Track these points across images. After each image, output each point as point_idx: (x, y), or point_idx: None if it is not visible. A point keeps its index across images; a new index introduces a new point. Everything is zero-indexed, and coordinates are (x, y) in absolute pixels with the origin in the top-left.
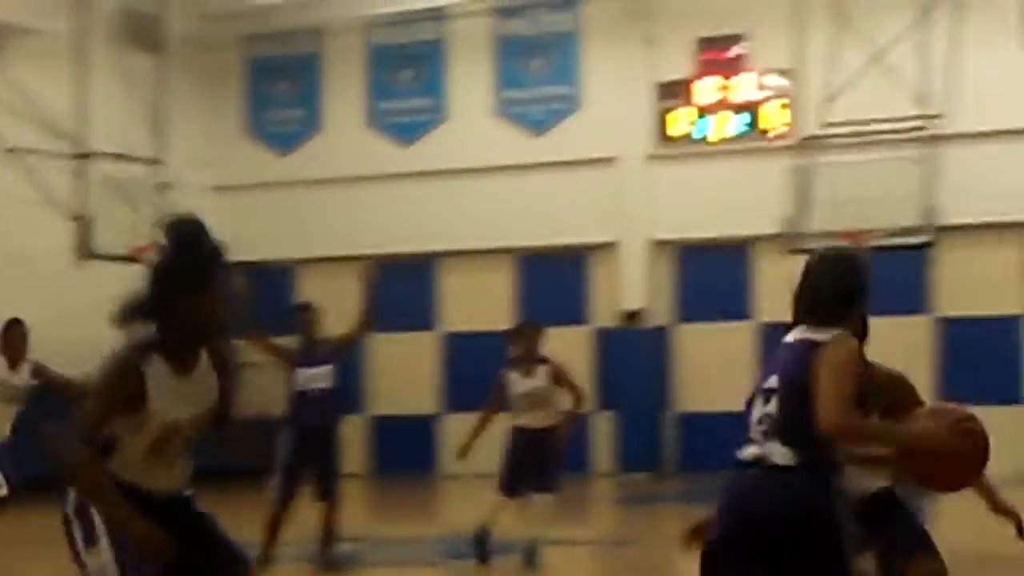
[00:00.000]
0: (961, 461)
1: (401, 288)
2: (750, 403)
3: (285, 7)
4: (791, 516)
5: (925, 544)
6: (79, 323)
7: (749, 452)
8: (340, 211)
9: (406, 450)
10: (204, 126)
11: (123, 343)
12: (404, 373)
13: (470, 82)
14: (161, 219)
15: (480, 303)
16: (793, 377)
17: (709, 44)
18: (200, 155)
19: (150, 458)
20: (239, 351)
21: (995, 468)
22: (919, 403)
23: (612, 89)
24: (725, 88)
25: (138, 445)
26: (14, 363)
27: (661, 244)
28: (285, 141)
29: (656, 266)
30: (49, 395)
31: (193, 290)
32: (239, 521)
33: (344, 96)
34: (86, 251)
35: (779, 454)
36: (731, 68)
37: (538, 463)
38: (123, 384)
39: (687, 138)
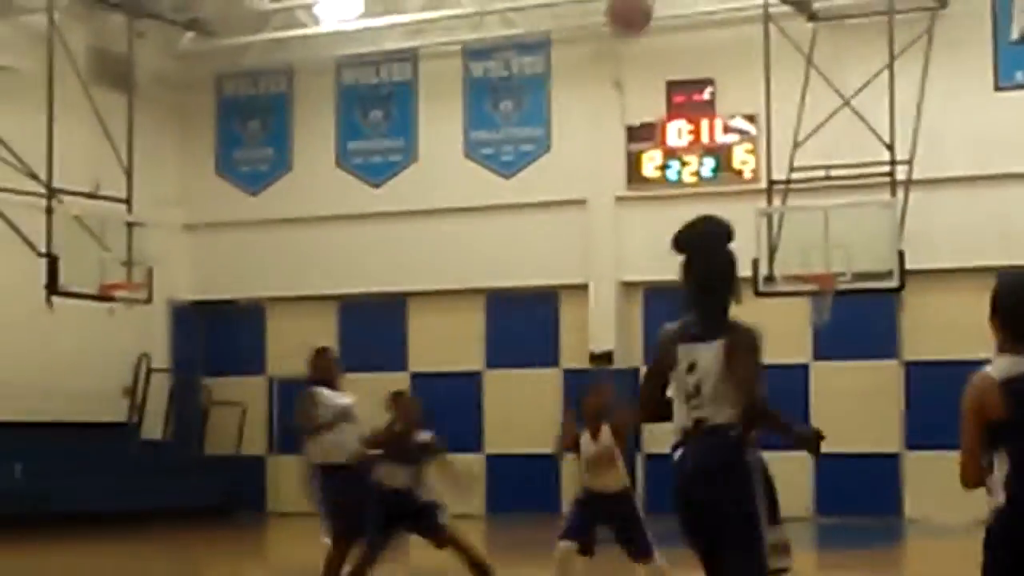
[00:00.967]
0: None
1: (370, 328)
2: None
3: (256, 47)
4: None
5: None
6: (48, 359)
7: None
8: (309, 251)
9: None
10: (174, 165)
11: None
12: (372, 413)
13: (440, 123)
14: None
15: (449, 343)
16: None
17: (678, 88)
18: (170, 193)
19: None
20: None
21: (958, 517)
22: None
23: (582, 131)
24: (694, 131)
25: None
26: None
27: (631, 286)
28: (255, 180)
29: (626, 308)
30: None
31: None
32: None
33: (314, 136)
34: (55, 288)
35: None
36: (700, 112)
37: (621, 530)
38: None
39: (657, 180)
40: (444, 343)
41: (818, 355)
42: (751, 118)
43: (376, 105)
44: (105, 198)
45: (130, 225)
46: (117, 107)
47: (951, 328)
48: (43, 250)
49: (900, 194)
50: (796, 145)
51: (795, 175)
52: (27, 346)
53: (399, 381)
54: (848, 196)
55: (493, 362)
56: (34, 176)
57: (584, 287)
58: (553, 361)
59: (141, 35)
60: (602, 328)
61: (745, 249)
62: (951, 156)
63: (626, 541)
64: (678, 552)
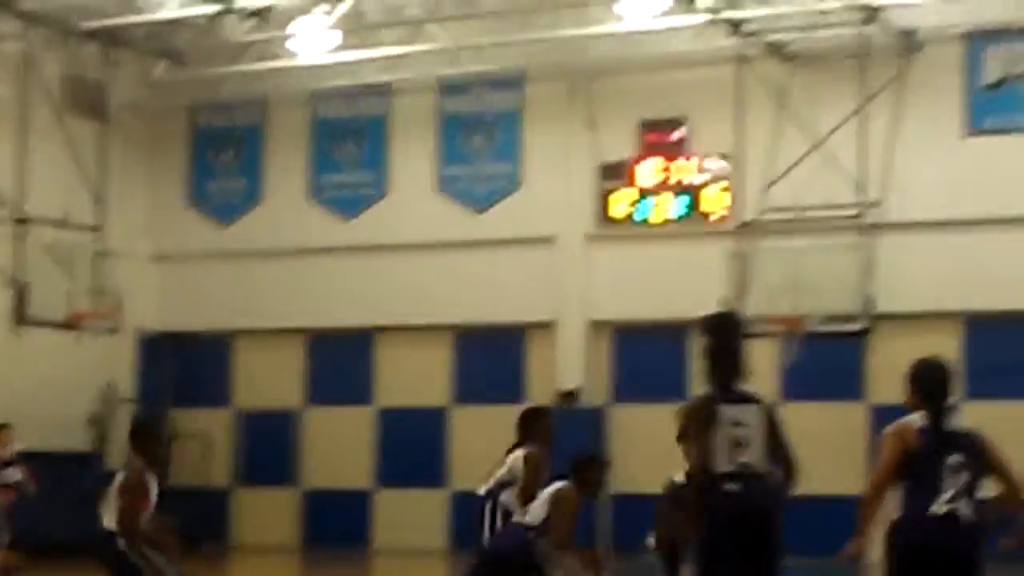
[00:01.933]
0: None
1: (338, 362)
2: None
3: (230, 78)
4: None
5: None
6: (14, 387)
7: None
8: (279, 283)
9: (339, 523)
10: (145, 194)
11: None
12: (339, 447)
13: (413, 158)
14: None
15: (417, 379)
16: None
17: (651, 127)
18: (140, 223)
19: None
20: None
21: None
22: None
23: (553, 169)
24: (666, 171)
25: None
26: None
27: (599, 324)
28: (226, 212)
29: (594, 346)
30: None
31: None
32: None
33: (287, 168)
34: (23, 316)
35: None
36: (673, 151)
37: None
38: None
39: (628, 219)
40: (412, 378)
41: (785, 396)
42: (723, 158)
43: (349, 138)
44: (75, 227)
45: (99, 254)
46: (90, 136)
47: None
48: (12, 277)
49: (870, 237)
50: (767, 186)
51: (766, 216)
52: None
53: (365, 415)
54: (818, 238)
55: (460, 398)
56: (4, 202)
57: (552, 325)
58: (520, 398)
59: (115, 64)
60: (569, 366)
61: (713, 289)
62: (921, 200)
63: None
64: None
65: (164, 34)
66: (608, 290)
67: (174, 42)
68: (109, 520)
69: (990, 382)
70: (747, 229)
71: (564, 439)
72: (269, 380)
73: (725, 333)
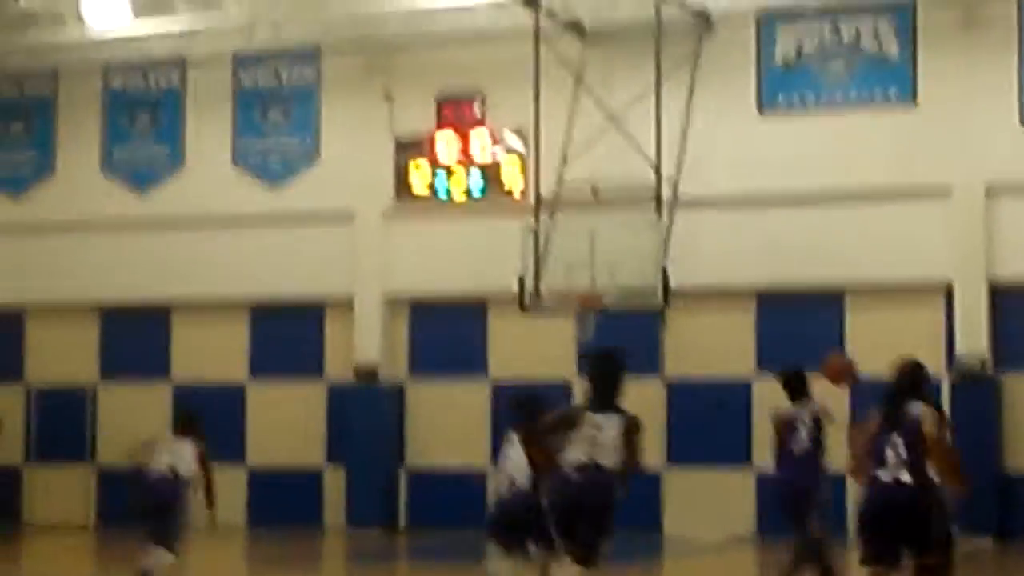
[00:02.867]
0: None
1: (133, 337)
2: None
3: (20, 48)
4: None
5: None
6: None
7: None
8: (72, 257)
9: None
10: None
11: None
12: (134, 423)
13: (208, 131)
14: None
15: (214, 354)
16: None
17: (448, 102)
18: None
19: None
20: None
21: (724, 529)
22: None
23: (351, 143)
24: (463, 146)
25: None
26: None
27: (397, 301)
28: (16, 184)
29: (392, 322)
30: None
31: None
32: None
33: (79, 140)
34: None
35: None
36: (469, 126)
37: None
38: None
39: (425, 195)
40: (208, 353)
41: (582, 372)
42: (520, 134)
43: (143, 111)
44: None
45: None
46: None
47: (713, 347)
48: None
49: (665, 213)
50: (564, 162)
51: (562, 192)
52: None
53: (162, 392)
54: (614, 214)
55: (257, 374)
56: None
57: (350, 300)
58: (318, 374)
59: None
60: (367, 342)
61: (511, 266)
62: (715, 177)
63: None
64: None
65: None
66: (407, 266)
67: None
68: None
69: (781, 357)
70: (544, 205)
71: (363, 416)
72: (63, 356)
73: (603, 365)
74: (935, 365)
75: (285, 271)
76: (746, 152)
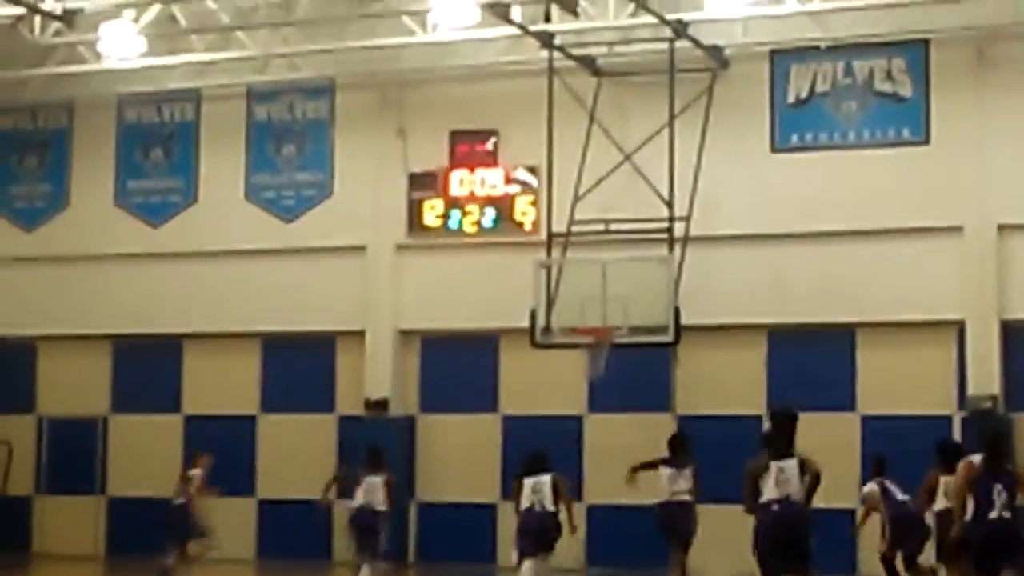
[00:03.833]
0: None
1: (145, 369)
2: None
3: (36, 81)
4: None
5: None
6: None
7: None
8: (84, 289)
9: (144, 532)
10: None
11: None
12: (145, 455)
13: (222, 165)
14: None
15: (225, 387)
16: None
17: (461, 137)
18: None
19: None
20: None
21: (736, 564)
22: None
23: (364, 178)
24: (476, 182)
25: None
26: None
27: (408, 334)
28: (31, 216)
29: (403, 355)
30: None
31: None
32: None
33: (93, 173)
34: None
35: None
36: (483, 162)
37: None
38: None
39: (437, 230)
40: (219, 386)
41: (593, 407)
42: (533, 170)
43: (157, 144)
44: None
45: None
46: None
47: (723, 383)
48: None
49: (677, 250)
50: (577, 198)
51: (575, 228)
52: None
53: (174, 423)
54: (626, 251)
55: (268, 407)
56: None
57: (361, 334)
58: (329, 407)
59: None
60: (378, 375)
61: (523, 300)
62: (728, 214)
63: None
64: None
65: None
66: (418, 300)
67: None
68: None
69: (792, 394)
70: (556, 240)
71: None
72: (74, 387)
73: (783, 419)
74: (946, 403)
75: (297, 304)
76: (758, 190)
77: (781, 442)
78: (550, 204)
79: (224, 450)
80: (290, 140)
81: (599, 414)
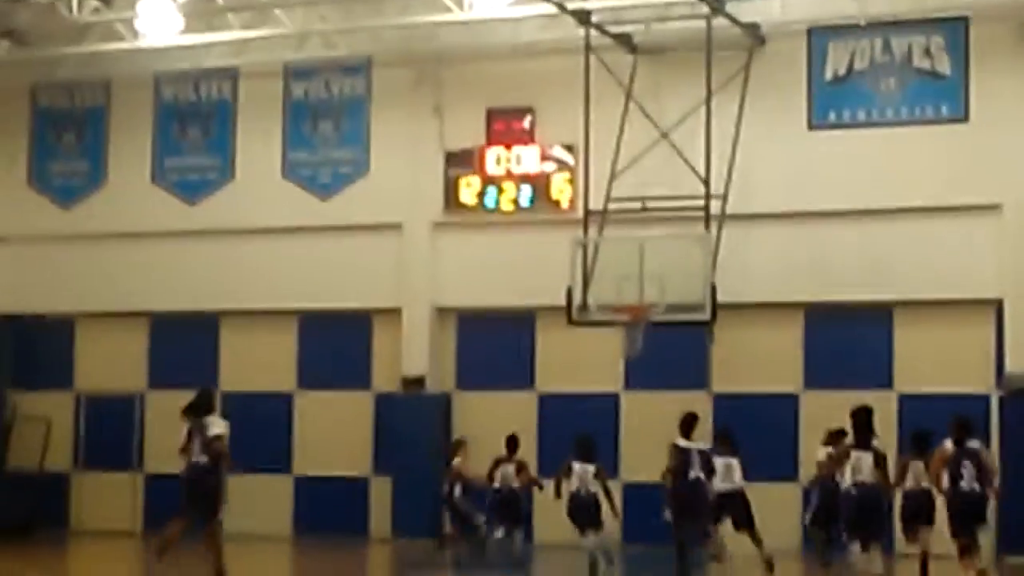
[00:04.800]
0: None
1: (182, 346)
2: None
3: (73, 58)
4: None
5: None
6: None
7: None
8: (122, 266)
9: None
10: None
11: None
12: (181, 430)
13: (259, 142)
14: None
15: (262, 364)
16: None
17: (498, 115)
18: None
19: None
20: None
21: (774, 542)
22: None
23: (400, 155)
24: (512, 159)
25: None
26: None
27: (444, 311)
28: (69, 194)
29: (439, 333)
30: None
31: None
32: None
33: (131, 151)
34: None
35: None
36: (519, 140)
37: None
38: None
39: (473, 207)
40: (256, 363)
41: (629, 385)
42: (570, 148)
43: (194, 122)
44: None
45: None
46: None
47: (760, 361)
48: None
49: (714, 228)
50: (613, 176)
51: (611, 206)
52: None
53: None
54: (663, 228)
55: (305, 383)
56: None
57: (398, 311)
58: (365, 384)
59: None
60: (415, 353)
61: (559, 278)
62: (765, 192)
63: None
64: None
65: (5, 13)
66: (455, 277)
67: (15, 22)
68: None
69: (829, 372)
70: (593, 218)
71: (410, 426)
72: (112, 364)
73: (863, 416)
74: (984, 381)
75: (334, 281)
76: (796, 167)
77: (859, 435)
78: (587, 182)
79: (261, 427)
80: (327, 118)
81: (635, 392)
